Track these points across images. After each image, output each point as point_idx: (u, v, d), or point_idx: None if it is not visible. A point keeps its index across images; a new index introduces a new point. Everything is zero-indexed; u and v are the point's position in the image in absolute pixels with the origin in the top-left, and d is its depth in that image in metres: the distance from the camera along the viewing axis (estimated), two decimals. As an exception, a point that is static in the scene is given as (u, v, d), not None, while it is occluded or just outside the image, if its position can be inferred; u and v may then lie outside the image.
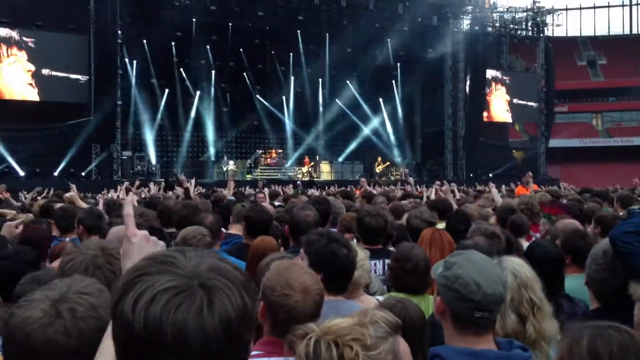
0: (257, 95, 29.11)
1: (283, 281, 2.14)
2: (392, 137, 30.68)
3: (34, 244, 3.32)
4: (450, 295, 1.91)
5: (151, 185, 12.84)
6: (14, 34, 21.01)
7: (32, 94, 21.42)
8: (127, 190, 11.16)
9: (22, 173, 20.31)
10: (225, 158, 26.75)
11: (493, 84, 30.58)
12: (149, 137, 26.44)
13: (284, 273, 2.19)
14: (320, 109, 30.30)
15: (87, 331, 1.37)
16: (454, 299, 1.90)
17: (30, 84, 21.28)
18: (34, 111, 21.25)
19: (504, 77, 31.05)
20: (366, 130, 30.14)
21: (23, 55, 21.14)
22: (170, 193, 11.58)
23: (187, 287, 0.93)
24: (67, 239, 4.43)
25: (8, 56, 20.96)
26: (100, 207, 6.06)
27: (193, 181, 10.66)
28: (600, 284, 2.67)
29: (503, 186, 15.37)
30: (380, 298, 3.08)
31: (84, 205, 6.00)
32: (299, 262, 2.47)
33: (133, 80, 25.47)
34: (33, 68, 21.21)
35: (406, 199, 8.64)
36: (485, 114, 30.22)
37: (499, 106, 31.02)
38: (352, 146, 30.05)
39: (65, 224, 4.64)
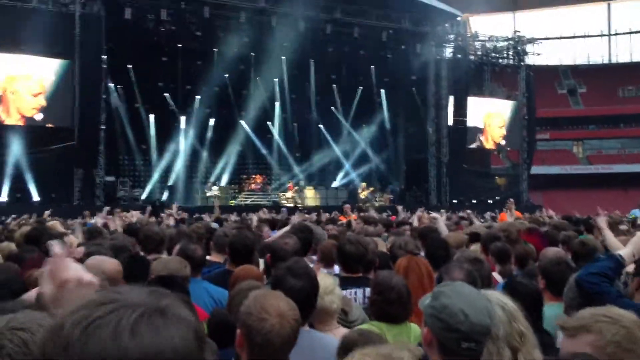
0: (242, 121, 29.18)
1: (259, 306, 2.22)
2: (376, 164, 30.89)
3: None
4: (437, 325, 1.91)
5: (133, 212, 12.75)
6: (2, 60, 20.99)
7: (16, 118, 21.35)
8: (108, 214, 11.08)
9: (3, 199, 20.09)
10: (209, 183, 26.67)
11: (480, 108, 31.12)
12: (133, 161, 26.33)
13: (260, 299, 2.27)
14: (304, 134, 30.42)
15: None
16: (440, 329, 1.91)
17: (17, 108, 21.23)
18: (19, 135, 21.09)
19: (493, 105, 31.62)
20: (348, 156, 30.38)
21: (10, 78, 21.12)
22: (153, 218, 11.52)
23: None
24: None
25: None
26: (79, 235, 5.99)
27: (175, 206, 10.64)
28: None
29: (488, 213, 15.52)
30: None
31: (62, 231, 5.94)
32: (276, 291, 2.48)
33: (117, 105, 25.44)
34: (18, 92, 21.17)
35: (400, 226, 8.64)
36: (482, 137, 30.72)
37: (494, 132, 31.54)
38: (341, 173, 30.24)
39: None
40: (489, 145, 31.62)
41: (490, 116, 31.41)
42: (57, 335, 0.87)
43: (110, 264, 3.21)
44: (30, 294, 2.58)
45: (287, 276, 2.74)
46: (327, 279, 3.08)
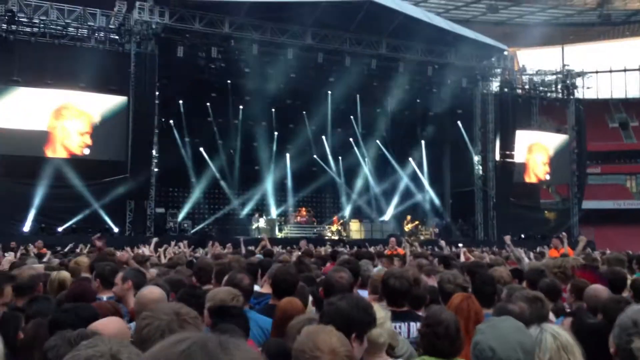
0: (288, 154, 29.59)
1: (311, 344, 2.25)
2: (422, 197, 30.73)
3: (80, 301, 3.42)
4: (474, 360, 1.98)
5: (181, 243, 13.02)
6: (61, 95, 21.98)
7: (77, 152, 22.28)
8: (156, 246, 11.36)
9: (59, 229, 20.76)
10: (256, 215, 26.99)
11: (528, 143, 30.73)
12: (182, 194, 26.94)
13: (312, 336, 2.30)
14: (349, 169, 30.59)
15: None
16: None
17: (78, 143, 22.17)
18: (76, 168, 21.84)
19: (539, 139, 31.20)
20: (393, 190, 30.33)
21: (71, 115, 22.11)
22: (201, 250, 11.75)
23: None
24: (104, 297, 4.55)
25: (57, 117, 21.92)
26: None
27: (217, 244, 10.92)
28: (630, 355, 2.65)
29: (538, 248, 15.15)
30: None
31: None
32: (328, 326, 2.53)
33: (168, 139, 26.21)
34: (80, 127, 22.14)
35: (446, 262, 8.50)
36: (525, 177, 30.35)
37: (537, 168, 31.08)
38: (392, 205, 30.19)
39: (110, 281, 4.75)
40: (530, 180, 31.08)
41: (532, 150, 30.97)
42: None
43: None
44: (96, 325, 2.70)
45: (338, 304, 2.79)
46: (379, 312, 3.11)
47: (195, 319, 2.04)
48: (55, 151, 21.96)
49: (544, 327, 2.29)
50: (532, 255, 11.18)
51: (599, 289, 4.32)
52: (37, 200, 20.60)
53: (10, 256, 9.94)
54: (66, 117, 22.12)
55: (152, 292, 3.47)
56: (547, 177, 31.59)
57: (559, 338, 2.25)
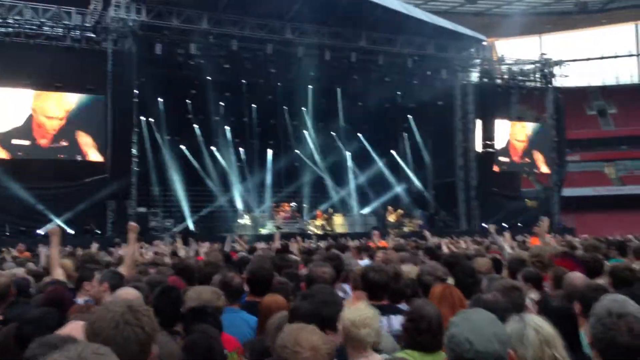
0: (269, 150, 29.51)
1: (293, 340, 2.29)
2: (403, 189, 30.86)
3: (58, 306, 3.40)
4: (449, 354, 1.98)
5: (158, 242, 12.93)
6: (37, 95, 21.70)
7: (51, 153, 21.97)
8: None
9: (41, 232, 20.52)
10: (240, 212, 26.90)
11: (508, 130, 31.00)
12: (164, 192, 26.75)
13: (294, 333, 2.34)
14: (332, 162, 30.60)
15: None
16: (451, 358, 1.97)
17: (56, 144, 21.91)
18: (52, 169, 21.62)
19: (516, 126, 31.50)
20: (375, 182, 30.43)
21: (47, 116, 21.83)
22: (181, 249, 11.68)
23: None
24: (80, 300, 4.51)
25: (34, 118, 21.65)
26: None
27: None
28: (606, 344, 2.66)
29: (518, 237, 15.27)
30: (386, 356, 3.12)
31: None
32: (310, 325, 2.53)
33: (147, 137, 26.01)
34: (57, 128, 21.87)
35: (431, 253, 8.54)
36: (504, 159, 30.60)
37: (516, 152, 31.42)
38: (373, 198, 30.27)
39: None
40: (516, 158, 31.40)
41: (512, 138, 31.31)
42: None
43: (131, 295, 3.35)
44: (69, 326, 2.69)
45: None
46: (367, 311, 3.11)
47: (148, 310, 2.03)
48: (34, 152, 21.69)
49: (526, 320, 2.28)
50: (515, 244, 11.27)
51: (576, 276, 4.37)
52: (10, 201, 20.36)
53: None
54: (43, 118, 21.83)
55: (127, 293, 3.45)
56: (527, 160, 31.94)
57: (541, 332, 2.25)
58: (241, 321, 3.85)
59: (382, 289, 4.09)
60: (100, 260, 6.96)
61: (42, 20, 21.74)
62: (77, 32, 22.36)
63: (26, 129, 21.62)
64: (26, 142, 21.67)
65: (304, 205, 29.20)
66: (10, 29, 21.46)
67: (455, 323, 2.01)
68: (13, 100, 21.44)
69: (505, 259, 6.79)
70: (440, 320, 3.24)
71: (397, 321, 3.87)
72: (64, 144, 22.07)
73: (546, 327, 2.28)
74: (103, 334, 1.87)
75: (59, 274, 5.60)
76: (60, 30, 22.16)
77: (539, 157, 32.07)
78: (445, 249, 8.40)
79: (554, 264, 5.73)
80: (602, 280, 4.68)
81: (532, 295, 4.59)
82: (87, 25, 22.44)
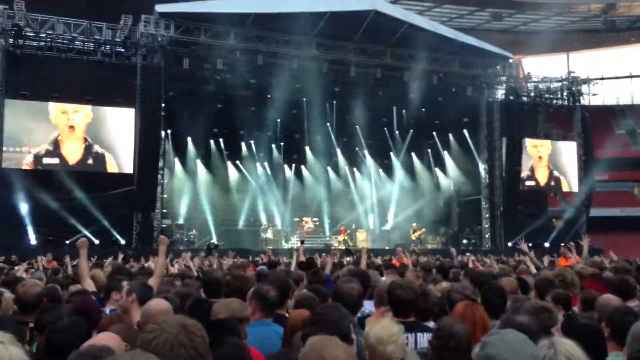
0: (293, 164, 29.62)
1: (316, 354, 2.28)
2: (428, 206, 30.65)
3: (87, 315, 3.44)
4: (486, 374, 1.95)
5: (185, 254, 12.99)
6: (68, 108, 22.13)
7: (84, 165, 22.39)
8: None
9: (67, 241, 20.79)
10: (264, 226, 26.99)
11: (534, 150, 30.61)
12: (188, 206, 26.97)
13: (318, 347, 2.33)
14: (358, 177, 30.60)
15: None
16: None
17: (83, 155, 22.32)
18: (81, 180, 21.92)
19: (543, 146, 31.09)
20: (399, 199, 30.28)
21: (76, 129, 22.25)
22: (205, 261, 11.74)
23: None
24: (107, 310, 4.55)
25: (63, 131, 22.07)
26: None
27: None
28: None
29: (546, 257, 14.99)
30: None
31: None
32: (333, 337, 2.52)
33: (173, 151, 26.31)
34: (86, 140, 22.31)
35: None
36: (529, 182, 30.23)
37: (542, 173, 31.00)
38: (398, 215, 30.12)
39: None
40: (542, 178, 30.95)
41: (540, 158, 30.89)
42: None
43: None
44: (100, 336, 2.71)
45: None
46: (392, 327, 3.08)
47: (201, 330, 2.03)
48: (62, 165, 22.08)
49: (556, 346, 2.22)
50: (546, 262, 11.03)
51: (611, 299, 4.28)
52: (40, 212, 20.68)
53: (21, 268, 9.98)
54: (72, 131, 22.22)
55: (159, 304, 3.47)
56: (553, 183, 31.46)
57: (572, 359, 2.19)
58: (274, 334, 3.84)
59: (408, 306, 4.03)
60: (130, 272, 7.02)
61: (73, 35, 22.28)
62: (108, 47, 22.86)
63: (54, 148, 22.06)
64: (55, 161, 22.10)
65: (327, 220, 29.17)
66: (42, 43, 22.07)
67: (492, 343, 1.98)
68: (44, 116, 21.87)
69: (532, 276, 6.68)
70: (469, 338, 3.19)
71: (424, 339, 3.82)
72: (90, 162, 22.44)
73: (578, 355, 2.22)
74: (158, 355, 1.87)
75: (89, 285, 5.68)
76: (91, 45, 22.69)
77: (565, 177, 31.60)
78: (471, 265, 8.30)
79: (579, 284, 5.63)
80: (633, 304, 4.59)
81: (561, 317, 4.51)
82: (118, 40, 22.93)
